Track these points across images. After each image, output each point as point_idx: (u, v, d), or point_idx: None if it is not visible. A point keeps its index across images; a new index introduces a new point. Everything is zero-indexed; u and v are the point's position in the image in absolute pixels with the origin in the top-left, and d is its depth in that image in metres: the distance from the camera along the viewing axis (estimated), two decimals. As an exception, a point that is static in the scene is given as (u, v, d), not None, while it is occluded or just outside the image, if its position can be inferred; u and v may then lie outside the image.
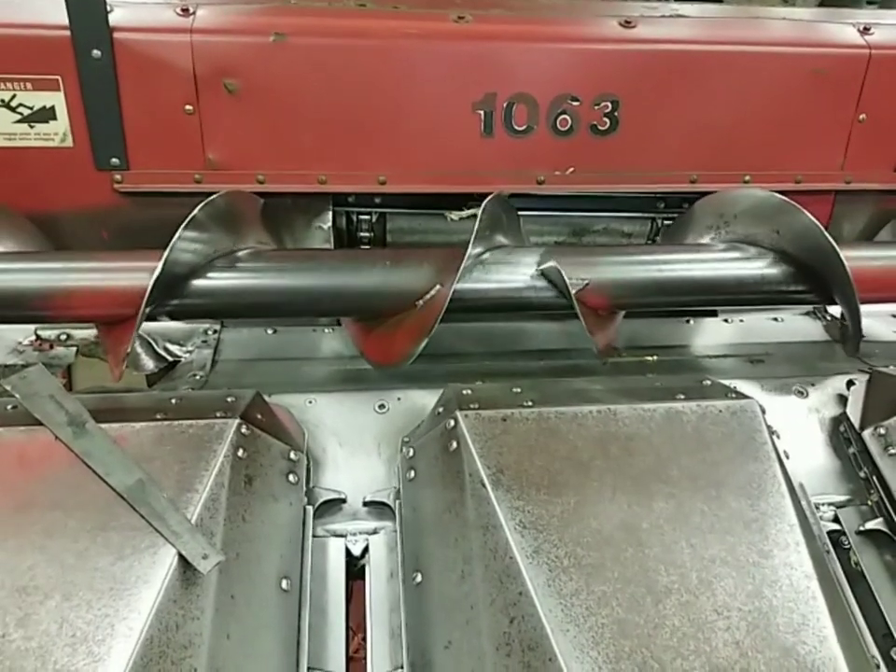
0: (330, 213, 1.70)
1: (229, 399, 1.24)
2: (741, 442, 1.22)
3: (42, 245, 1.54)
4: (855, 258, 1.41)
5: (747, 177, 1.74)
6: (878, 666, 1.16)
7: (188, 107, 1.53)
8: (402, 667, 1.10)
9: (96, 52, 1.45)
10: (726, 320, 1.87)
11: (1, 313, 1.32)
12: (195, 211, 1.30)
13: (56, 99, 1.50)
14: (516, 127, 1.63)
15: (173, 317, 1.49)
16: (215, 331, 1.70)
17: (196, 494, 1.07)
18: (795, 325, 1.86)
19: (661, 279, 1.49)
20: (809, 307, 1.91)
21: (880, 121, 1.73)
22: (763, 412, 1.29)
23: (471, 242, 1.36)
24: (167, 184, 1.58)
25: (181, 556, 0.96)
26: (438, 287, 1.38)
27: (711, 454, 1.21)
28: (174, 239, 1.26)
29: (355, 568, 1.24)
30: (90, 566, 0.97)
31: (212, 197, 1.37)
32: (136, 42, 1.47)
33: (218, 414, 1.18)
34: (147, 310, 1.26)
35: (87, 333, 1.67)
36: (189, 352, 1.65)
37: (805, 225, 1.41)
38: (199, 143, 1.56)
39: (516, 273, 1.46)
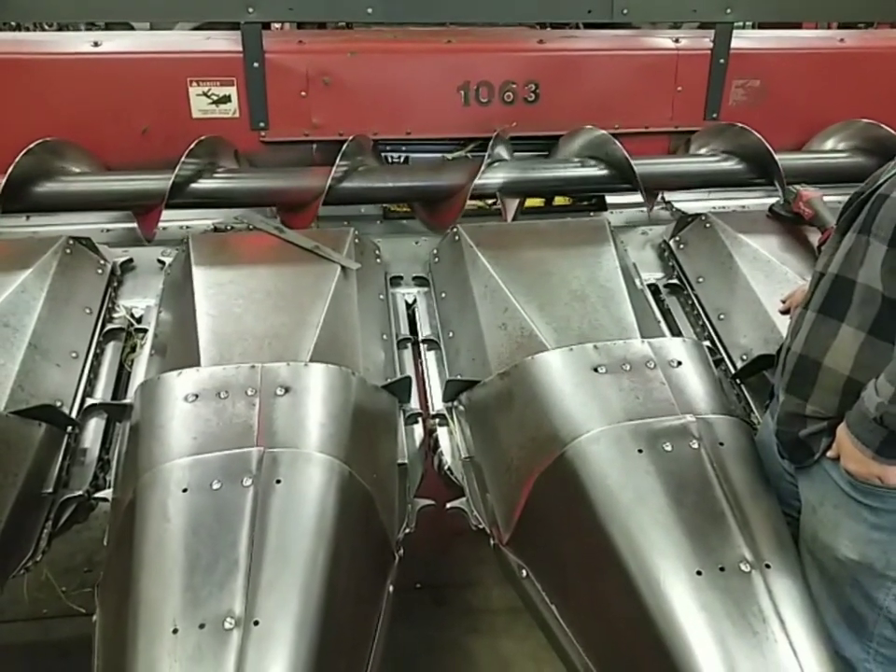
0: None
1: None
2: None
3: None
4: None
5: (616, 125, 3.03)
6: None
7: (302, 93, 2.80)
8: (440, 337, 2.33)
9: (255, 64, 2.73)
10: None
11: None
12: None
13: (232, 90, 2.77)
14: (482, 100, 2.92)
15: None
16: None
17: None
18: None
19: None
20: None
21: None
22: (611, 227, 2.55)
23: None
24: (289, 136, 2.85)
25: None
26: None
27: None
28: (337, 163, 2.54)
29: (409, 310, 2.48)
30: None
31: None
32: (277, 57, 2.75)
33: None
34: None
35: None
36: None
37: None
38: (308, 113, 2.83)
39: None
